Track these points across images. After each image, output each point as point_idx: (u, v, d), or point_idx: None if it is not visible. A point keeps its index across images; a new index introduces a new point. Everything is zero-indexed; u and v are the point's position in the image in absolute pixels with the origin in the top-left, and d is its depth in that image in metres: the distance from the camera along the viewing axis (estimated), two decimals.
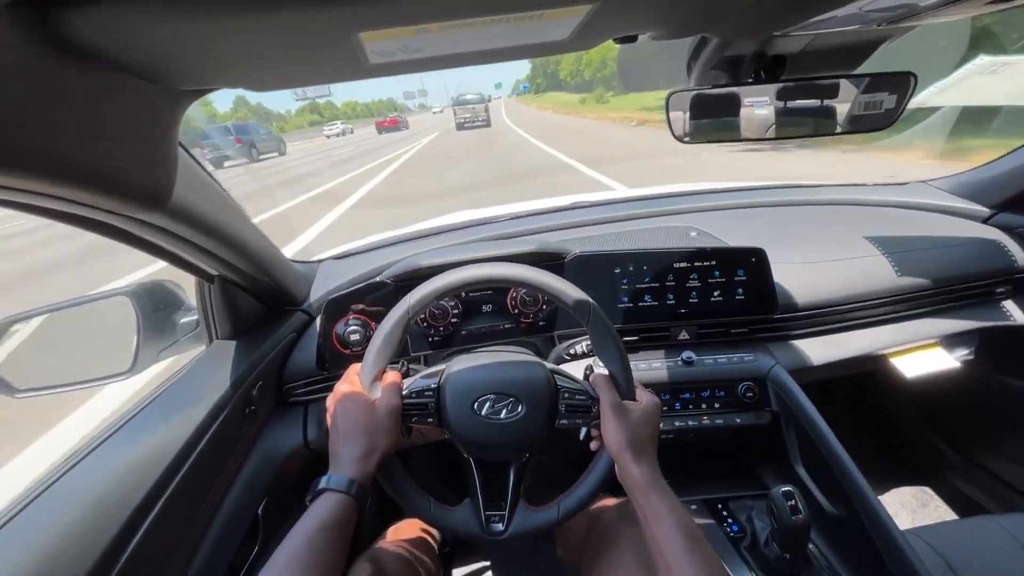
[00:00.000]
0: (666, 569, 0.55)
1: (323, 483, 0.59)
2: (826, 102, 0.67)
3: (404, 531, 1.06)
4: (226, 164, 19.29)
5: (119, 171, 0.43)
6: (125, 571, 0.54)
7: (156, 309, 0.87)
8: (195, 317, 0.92)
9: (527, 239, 1.10)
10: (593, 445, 0.73)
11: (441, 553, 1.10)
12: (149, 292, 0.87)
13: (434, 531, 1.12)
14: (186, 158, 0.56)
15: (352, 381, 0.69)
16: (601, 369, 0.74)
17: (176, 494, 0.64)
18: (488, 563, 1.35)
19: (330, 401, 0.69)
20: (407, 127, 35.61)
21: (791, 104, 0.67)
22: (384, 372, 0.70)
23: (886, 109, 0.65)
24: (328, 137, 36.94)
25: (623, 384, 0.70)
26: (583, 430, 0.75)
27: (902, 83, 0.64)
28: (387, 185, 9.44)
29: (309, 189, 9.64)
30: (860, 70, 0.70)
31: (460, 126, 23.91)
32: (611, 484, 0.69)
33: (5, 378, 0.76)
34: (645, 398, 0.70)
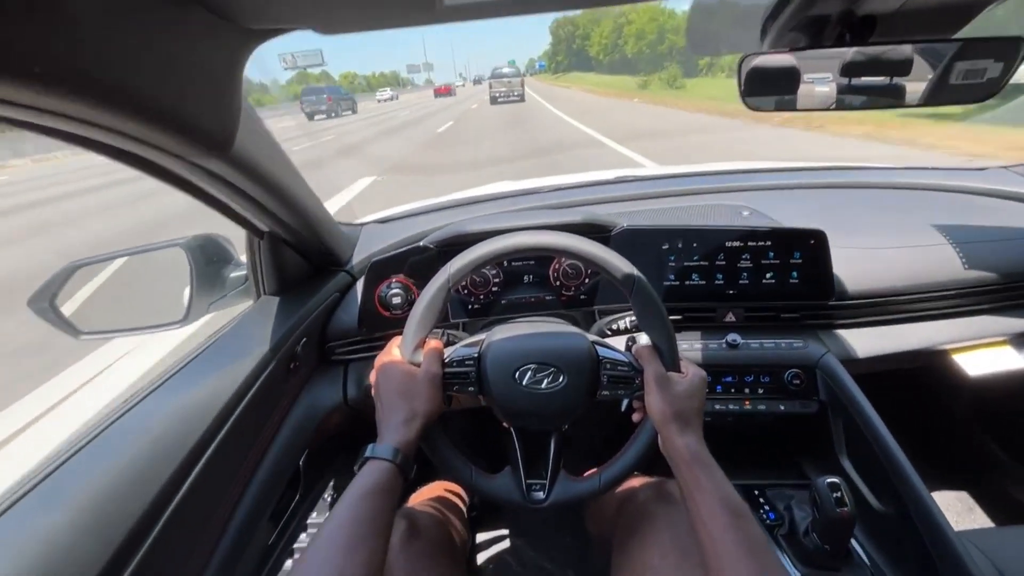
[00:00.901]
0: (709, 544, 0.54)
1: (368, 452, 0.60)
2: (921, 65, 0.61)
3: (433, 492, 1.09)
4: (316, 117, 25.45)
5: (187, 114, 0.43)
6: (180, 507, 0.57)
7: (209, 262, 0.89)
8: (244, 272, 0.94)
9: (574, 210, 1.08)
10: (636, 417, 0.72)
11: (469, 516, 1.13)
12: (202, 245, 0.89)
13: (463, 494, 1.15)
14: (248, 108, 0.56)
15: (392, 352, 0.70)
16: (644, 341, 0.72)
17: (227, 439, 0.67)
18: (513, 530, 1.38)
19: (373, 375, 0.70)
20: (455, 95, 45.03)
21: (881, 65, 0.61)
22: (425, 340, 0.70)
23: (989, 78, 0.58)
24: (380, 101, 46.76)
25: (668, 356, 0.68)
26: (624, 401, 0.74)
27: (1010, 49, 0.57)
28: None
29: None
30: (958, 35, 0.63)
31: (494, 100, 23.13)
32: (652, 457, 0.68)
33: (71, 320, 0.80)
34: (691, 370, 0.68)
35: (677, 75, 26.54)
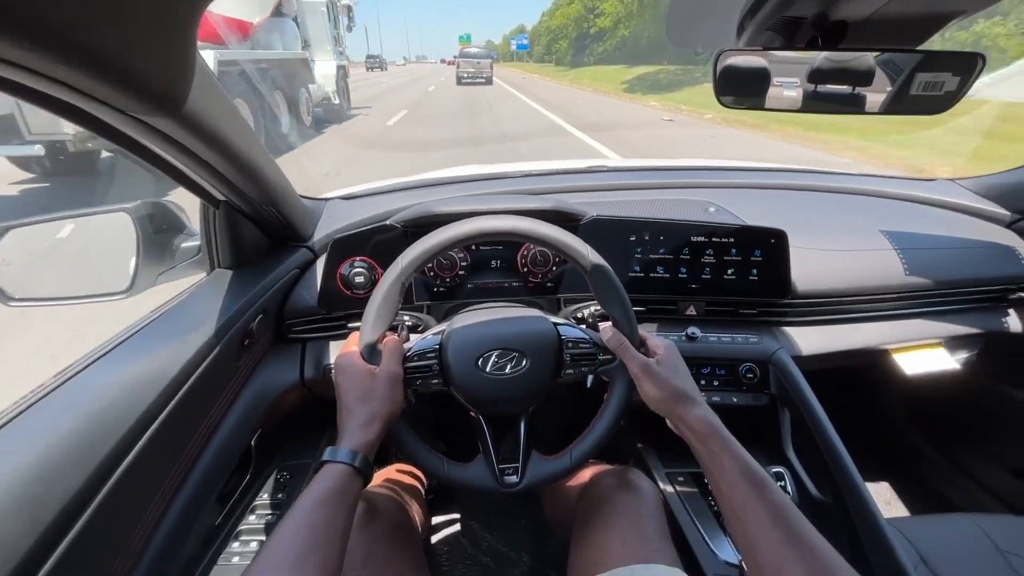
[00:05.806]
0: (734, 518, 0.54)
1: (326, 455, 0.58)
2: (881, 77, 0.63)
3: (391, 474, 1.08)
4: (368, 70, 47.64)
5: (133, 63, 0.40)
6: (118, 486, 0.54)
7: (157, 231, 0.84)
8: (197, 243, 0.89)
9: (544, 197, 1.07)
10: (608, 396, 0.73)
11: (426, 499, 1.12)
12: (151, 212, 0.84)
13: (421, 476, 1.14)
14: (203, 66, 0.52)
15: (351, 349, 0.68)
16: (607, 325, 0.72)
17: (172, 416, 0.64)
18: (470, 514, 1.38)
19: (335, 375, 0.68)
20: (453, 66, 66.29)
21: (845, 74, 0.63)
22: (383, 337, 0.68)
23: (946, 92, 0.61)
24: (398, 65, 69.17)
25: (626, 328, 0.69)
26: (589, 378, 0.75)
27: (968, 64, 0.60)
28: None
29: None
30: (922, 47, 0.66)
31: (459, 80, 24.07)
32: (618, 431, 0.70)
33: (0, 285, 0.74)
34: (661, 346, 0.69)
35: None
